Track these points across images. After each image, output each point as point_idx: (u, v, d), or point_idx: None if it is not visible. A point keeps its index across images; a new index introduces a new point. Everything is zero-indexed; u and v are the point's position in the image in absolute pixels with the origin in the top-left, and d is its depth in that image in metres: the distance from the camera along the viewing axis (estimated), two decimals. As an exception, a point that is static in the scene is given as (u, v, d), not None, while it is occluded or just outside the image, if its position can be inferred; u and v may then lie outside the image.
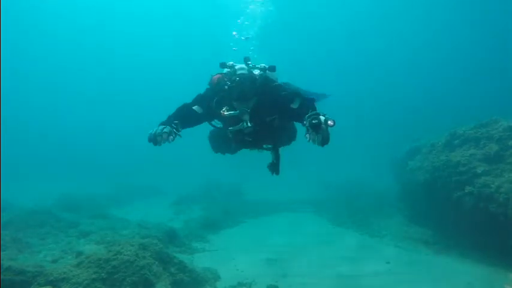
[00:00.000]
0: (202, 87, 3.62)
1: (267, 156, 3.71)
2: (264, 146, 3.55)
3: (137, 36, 38.75)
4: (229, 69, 3.16)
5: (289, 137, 3.66)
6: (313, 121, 2.43)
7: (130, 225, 9.31)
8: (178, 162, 25.62)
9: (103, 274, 4.37)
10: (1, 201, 9.35)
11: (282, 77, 3.52)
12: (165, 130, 2.80)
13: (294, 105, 3.01)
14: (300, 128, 2.94)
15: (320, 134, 2.41)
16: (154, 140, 2.77)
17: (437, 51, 32.37)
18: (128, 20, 36.77)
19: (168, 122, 3.00)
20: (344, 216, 10.80)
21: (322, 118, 2.46)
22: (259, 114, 3.11)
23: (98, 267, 4.45)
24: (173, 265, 5.38)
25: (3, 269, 4.40)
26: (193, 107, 3.27)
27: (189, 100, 3.37)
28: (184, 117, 3.15)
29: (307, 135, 2.49)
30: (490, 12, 26.26)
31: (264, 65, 3.30)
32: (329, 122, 2.44)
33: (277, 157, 3.52)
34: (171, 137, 2.83)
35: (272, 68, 3.30)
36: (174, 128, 2.92)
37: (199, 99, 3.32)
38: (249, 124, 3.00)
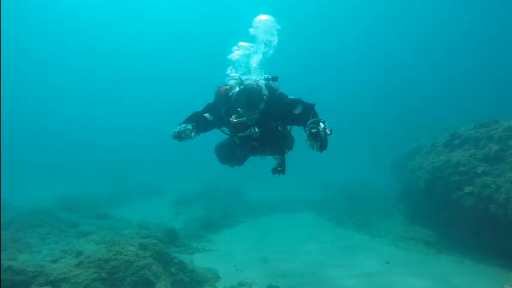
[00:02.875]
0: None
1: (267, 158, 3.94)
2: (267, 152, 3.80)
3: (137, 36, 38.77)
4: (236, 81, 3.44)
5: (290, 143, 3.90)
6: (313, 130, 2.73)
7: (130, 225, 9.31)
8: (178, 162, 25.63)
9: (103, 274, 4.37)
10: (1, 201, 9.35)
11: (282, 79, 3.67)
12: (187, 127, 3.12)
13: (296, 111, 3.29)
14: (302, 134, 3.17)
15: (318, 141, 2.70)
16: (179, 136, 3.08)
17: (437, 51, 32.39)
18: (127, 20, 36.79)
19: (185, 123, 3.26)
20: (344, 216, 10.80)
21: (321, 126, 2.75)
22: (265, 120, 3.35)
23: (98, 267, 4.45)
24: (173, 265, 5.38)
25: (3, 269, 4.40)
26: (205, 114, 3.51)
27: (196, 107, 3.66)
28: (197, 123, 3.39)
29: (307, 142, 2.78)
30: (490, 12, 26.27)
31: (267, 75, 3.57)
32: (327, 131, 2.73)
33: (283, 158, 3.78)
34: (193, 133, 3.15)
35: (275, 78, 3.58)
36: (193, 127, 3.21)
37: (210, 108, 3.57)
38: (256, 130, 3.26)
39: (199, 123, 3.40)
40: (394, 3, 30.27)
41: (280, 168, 3.77)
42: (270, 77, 3.54)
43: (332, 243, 8.25)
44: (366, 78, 37.12)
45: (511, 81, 26.84)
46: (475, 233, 6.80)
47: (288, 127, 3.74)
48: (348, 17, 33.16)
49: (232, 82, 3.51)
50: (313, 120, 2.88)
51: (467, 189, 6.83)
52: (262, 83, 3.44)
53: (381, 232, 8.93)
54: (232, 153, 3.84)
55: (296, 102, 3.35)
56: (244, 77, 3.41)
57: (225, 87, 3.59)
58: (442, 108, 26.27)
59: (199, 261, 6.83)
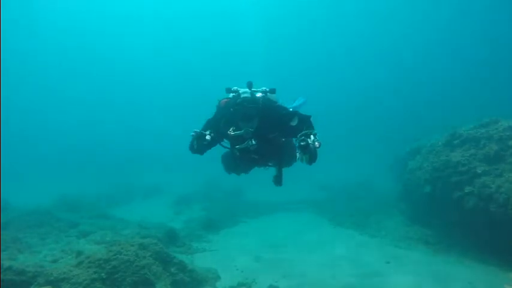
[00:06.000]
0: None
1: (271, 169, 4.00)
2: (270, 163, 3.86)
3: (135, 37, 38.79)
4: (234, 94, 3.50)
5: (291, 156, 3.93)
6: (302, 143, 2.79)
7: (130, 225, 9.31)
8: (178, 162, 25.59)
9: (103, 274, 4.37)
10: (1, 201, 9.35)
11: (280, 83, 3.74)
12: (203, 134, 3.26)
13: (293, 123, 3.35)
14: None
15: (307, 154, 2.76)
16: (199, 139, 3.27)
17: (437, 51, 32.39)
18: (125, 22, 36.82)
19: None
20: (344, 216, 10.79)
21: (310, 139, 2.81)
22: (262, 132, 3.40)
23: (98, 267, 4.45)
24: (173, 265, 5.38)
25: (3, 269, 4.40)
26: (205, 132, 3.54)
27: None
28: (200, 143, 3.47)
29: (297, 154, 2.86)
30: (490, 12, 26.27)
31: (265, 88, 3.62)
32: (316, 144, 2.79)
33: (280, 170, 3.81)
34: (208, 136, 3.30)
35: (272, 91, 3.64)
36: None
37: (210, 124, 3.62)
38: (253, 142, 3.32)
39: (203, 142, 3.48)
40: (394, 5, 30.26)
41: (276, 179, 3.80)
42: (268, 89, 3.60)
43: (332, 243, 8.24)
44: (366, 79, 37.12)
45: (511, 81, 26.82)
46: (475, 233, 6.80)
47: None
48: (350, 18, 33.16)
49: (231, 95, 3.57)
50: (303, 132, 2.94)
51: (468, 189, 6.83)
52: (259, 95, 3.49)
53: (381, 232, 8.92)
54: (235, 165, 3.91)
55: (293, 114, 3.42)
56: (241, 90, 3.46)
57: (225, 100, 3.65)
58: (442, 108, 26.25)
59: (200, 261, 6.83)
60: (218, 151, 4.03)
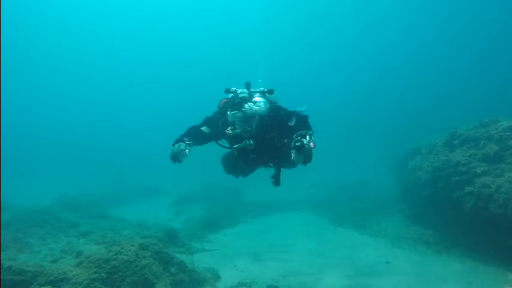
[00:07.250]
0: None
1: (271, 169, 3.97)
2: (270, 164, 3.86)
3: (135, 38, 38.80)
4: (232, 94, 3.54)
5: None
6: (297, 143, 2.79)
7: (130, 225, 9.32)
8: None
9: (103, 274, 4.37)
10: (1, 201, 9.35)
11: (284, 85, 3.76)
12: (181, 148, 3.28)
13: (291, 123, 3.38)
14: None
15: (302, 154, 2.75)
16: (176, 158, 3.27)
17: (437, 51, 32.39)
18: (125, 23, 36.81)
19: (179, 140, 3.40)
20: (344, 216, 10.80)
21: (305, 140, 2.81)
22: (260, 132, 3.42)
23: (97, 267, 4.44)
24: (173, 265, 5.37)
25: (3, 269, 4.40)
26: (202, 128, 3.62)
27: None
28: (193, 136, 3.53)
29: (292, 155, 2.83)
30: (490, 11, 26.27)
31: (263, 88, 3.65)
32: (311, 144, 2.79)
33: (278, 171, 3.82)
34: (187, 150, 3.31)
35: (270, 91, 3.66)
36: (187, 143, 3.36)
37: (208, 121, 3.67)
38: (251, 142, 3.33)
39: (195, 137, 3.52)
40: (394, 5, 30.26)
41: (274, 180, 3.81)
42: (266, 89, 3.62)
43: (332, 243, 8.24)
44: (366, 79, 37.15)
45: (511, 81, 26.82)
46: (475, 233, 6.79)
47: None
48: (350, 18, 33.16)
49: (230, 96, 3.61)
50: (299, 132, 2.96)
51: (467, 189, 6.82)
52: (257, 96, 3.51)
53: (381, 232, 8.93)
54: (235, 165, 3.92)
55: (291, 114, 3.45)
56: (239, 90, 3.50)
57: (225, 100, 3.68)
58: (442, 108, 26.25)
59: (199, 261, 6.83)
60: (218, 152, 4.04)
